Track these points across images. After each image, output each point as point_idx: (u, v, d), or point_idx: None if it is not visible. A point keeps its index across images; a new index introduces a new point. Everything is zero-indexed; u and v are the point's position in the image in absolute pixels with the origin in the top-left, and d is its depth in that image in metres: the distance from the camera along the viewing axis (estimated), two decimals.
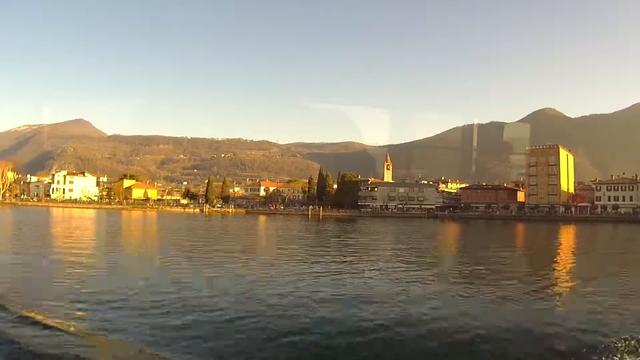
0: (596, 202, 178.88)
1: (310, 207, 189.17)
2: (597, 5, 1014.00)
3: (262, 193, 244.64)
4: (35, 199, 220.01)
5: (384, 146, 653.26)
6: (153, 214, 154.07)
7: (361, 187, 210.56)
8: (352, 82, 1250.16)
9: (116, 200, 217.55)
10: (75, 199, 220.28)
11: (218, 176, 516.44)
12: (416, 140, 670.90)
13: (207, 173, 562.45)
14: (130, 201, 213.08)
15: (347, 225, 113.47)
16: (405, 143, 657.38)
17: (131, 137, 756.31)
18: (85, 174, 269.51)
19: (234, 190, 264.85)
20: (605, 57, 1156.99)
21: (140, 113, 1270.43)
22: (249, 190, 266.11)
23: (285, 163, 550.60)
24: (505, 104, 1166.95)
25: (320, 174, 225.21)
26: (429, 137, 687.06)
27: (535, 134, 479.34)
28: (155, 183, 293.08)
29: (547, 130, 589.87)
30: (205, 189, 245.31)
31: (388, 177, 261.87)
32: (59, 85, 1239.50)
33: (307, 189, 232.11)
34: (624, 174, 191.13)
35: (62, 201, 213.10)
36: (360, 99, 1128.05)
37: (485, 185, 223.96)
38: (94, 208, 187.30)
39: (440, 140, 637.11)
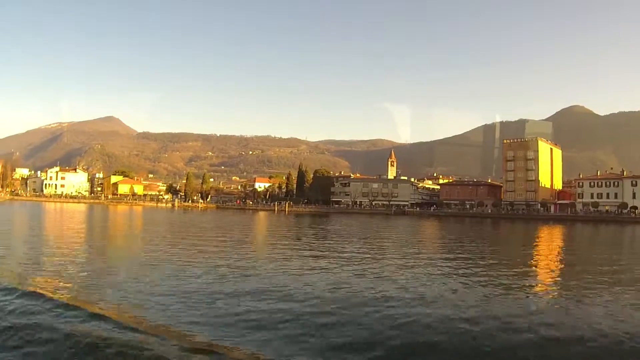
0: (578, 200, 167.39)
1: (276, 203, 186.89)
2: (626, 3, 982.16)
3: (262, 188, 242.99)
4: (28, 194, 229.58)
5: (414, 144, 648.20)
6: (125, 208, 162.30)
7: (335, 183, 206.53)
8: (380, 80, 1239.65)
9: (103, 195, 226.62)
10: (66, 195, 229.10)
11: (245, 173, 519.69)
12: (444, 138, 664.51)
13: (234, 170, 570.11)
14: (117, 196, 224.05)
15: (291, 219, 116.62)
16: (432, 141, 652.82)
17: (160, 134, 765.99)
18: (77, 170, 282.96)
19: (220, 186, 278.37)
20: (634, 53, 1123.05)
21: (171, 111, 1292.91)
22: (244, 186, 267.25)
23: (313, 160, 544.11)
24: (534, 102, 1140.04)
25: (299, 170, 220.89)
26: (457, 135, 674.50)
27: (562, 132, 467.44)
28: (141, 179, 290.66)
29: (575, 128, 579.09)
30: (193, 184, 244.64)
31: (392, 173, 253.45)
32: (91, 82, 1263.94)
33: (285, 185, 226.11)
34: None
35: (51, 196, 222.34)
36: (389, 97, 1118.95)
37: (466, 181, 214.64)
38: (76, 202, 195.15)
39: (465, 138, 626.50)
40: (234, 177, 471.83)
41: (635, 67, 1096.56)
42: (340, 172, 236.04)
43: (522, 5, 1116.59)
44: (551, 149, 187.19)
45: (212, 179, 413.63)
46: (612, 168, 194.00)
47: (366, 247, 49.89)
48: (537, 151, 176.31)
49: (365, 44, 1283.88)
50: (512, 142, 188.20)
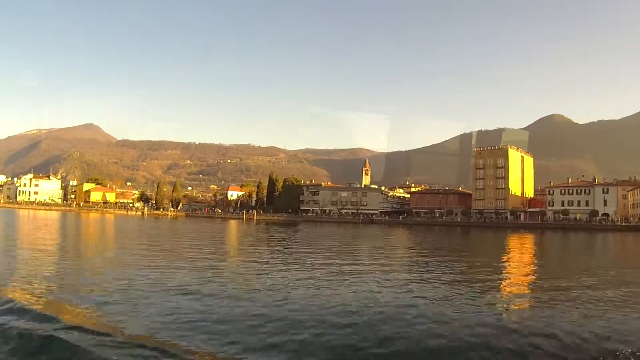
0: (548, 208, 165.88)
1: (244, 211, 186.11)
2: (605, 12, 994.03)
3: (234, 197, 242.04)
4: (2, 201, 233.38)
5: (392, 152, 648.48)
6: (96, 216, 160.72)
7: (304, 192, 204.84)
8: (359, 89, 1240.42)
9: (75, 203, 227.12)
10: (39, 202, 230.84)
11: (223, 182, 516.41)
12: (422, 147, 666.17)
13: (212, 178, 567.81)
14: (89, 204, 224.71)
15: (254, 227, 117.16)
16: (410, 150, 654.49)
17: (139, 142, 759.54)
18: (50, 177, 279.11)
19: (194, 194, 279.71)
20: (613, 62, 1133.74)
21: (150, 118, 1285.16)
22: (215, 195, 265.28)
23: (291, 169, 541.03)
24: (513, 111, 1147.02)
25: (270, 178, 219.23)
26: (436, 144, 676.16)
27: (542, 140, 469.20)
28: (115, 187, 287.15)
29: (555, 136, 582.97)
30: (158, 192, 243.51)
31: (366, 182, 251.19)
32: (72, 90, 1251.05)
33: (256, 194, 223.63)
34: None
35: (24, 203, 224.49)
36: (369, 106, 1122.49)
37: (436, 189, 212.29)
38: (47, 210, 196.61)
39: (443, 147, 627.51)
40: (212, 186, 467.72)
41: (614, 76, 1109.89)
42: (312, 181, 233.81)
43: (502, 15, 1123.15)
44: (522, 157, 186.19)
45: (189, 188, 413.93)
46: (583, 175, 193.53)
47: (333, 256, 47.27)
48: (508, 159, 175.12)
49: (345, 52, 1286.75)
50: (482, 150, 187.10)
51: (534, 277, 36.29)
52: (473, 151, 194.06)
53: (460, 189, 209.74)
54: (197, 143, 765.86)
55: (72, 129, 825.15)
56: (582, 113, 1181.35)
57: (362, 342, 15.82)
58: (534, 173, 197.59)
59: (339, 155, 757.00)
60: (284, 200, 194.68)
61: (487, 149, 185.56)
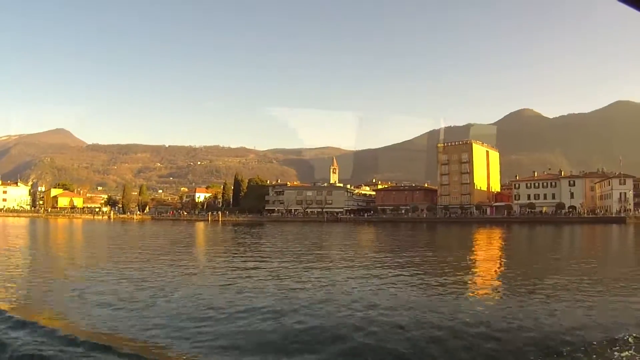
0: (514, 202, 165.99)
1: (209, 213, 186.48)
2: (573, 6, 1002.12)
3: (202, 199, 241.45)
4: None
5: (362, 150, 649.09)
6: (65, 221, 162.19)
7: (269, 192, 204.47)
8: (327, 87, 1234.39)
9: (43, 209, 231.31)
10: (7, 209, 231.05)
11: (193, 184, 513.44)
12: (393, 144, 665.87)
13: (183, 181, 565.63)
14: (56, 209, 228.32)
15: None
16: (380, 148, 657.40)
17: (109, 145, 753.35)
18: (19, 183, 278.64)
19: (162, 197, 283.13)
20: (582, 57, 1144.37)
21: (120, 121, 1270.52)
22: (181, 197, 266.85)
23: (261, 170, 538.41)
24: (483, 106, 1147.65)
25: (235, 179, 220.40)
26: (406, 141, 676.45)
27: (512, 135, 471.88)
28: (82, 191, 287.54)
29: (525, 130, 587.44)
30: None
31: (334, 180, 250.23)
32: (41, 95, 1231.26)
33: (222, 195, 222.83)
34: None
35: None
36: (339, 103, 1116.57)
37: (402, 186, 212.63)
38: (15, 216, 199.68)
39: (413, 143, 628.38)
40: (182, 188, 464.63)
41: (582, 69, 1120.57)
42: (277, 180, 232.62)
43: (467, 11, 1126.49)
44: (487, 151, 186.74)
45: (160, 191, 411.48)
46: (550, 168, 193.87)
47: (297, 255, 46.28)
48: (472, 154, 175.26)
49: (312, 50, 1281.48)
50: (446, 145, 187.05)
51: (497, 270, 36.60)
52: (437, 147, 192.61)
53: (427, 185, 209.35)
54: (166, 146, 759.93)
55: (42, 134, 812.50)
56: (552, 107, 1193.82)
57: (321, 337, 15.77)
58: (505, 167, 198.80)
59: (308, 154, 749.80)
60: (250, 200, 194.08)
61: (452, 145, 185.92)
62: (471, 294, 24.71)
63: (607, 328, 16.30)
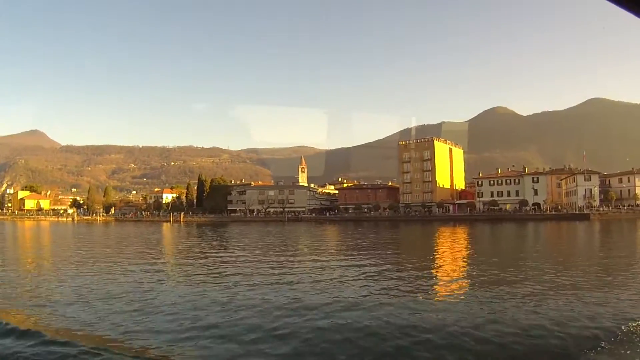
0: (478, 199, 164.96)
1: (171, 213, 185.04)
2: (548, 4, 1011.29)
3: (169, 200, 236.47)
4: None
5: (335, 149, 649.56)
6: (32, 223, 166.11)
7: (232, 192, 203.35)
8: (300, 86, 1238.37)
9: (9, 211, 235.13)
10: None
11: (167, 184, 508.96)
12: (366, 143, 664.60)
13: (156, 182, 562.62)
14: (23, 211, 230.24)
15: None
16: (353, 146, 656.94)
17: (83, 147, 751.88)
18: None
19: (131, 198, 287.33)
20: (556, 54, 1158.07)
21: (94, 122, 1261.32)
22: (146, 198, 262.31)
23: (234, 170, 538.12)
24: (457, 104, 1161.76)
25: (199, 179, 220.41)
26: (380, 139, 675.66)
27: (486, 133, 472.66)
28: (50, 193, 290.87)
29: (499, 128, 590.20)
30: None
31: (303, 180, 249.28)
32: (14, 96, 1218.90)
33: (185, 195, 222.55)
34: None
35: None
36: (312, 103, 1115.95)
37: (364, 185, 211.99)
38: None
39: (387, 142, 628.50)
40: (155, 189, 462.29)
41: (556, 67, 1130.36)
42: (242, 180, 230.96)
43: (441, 11, 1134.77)
44: (451, 149, 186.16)
45: (134, 192, 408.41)
46: (513, 165, 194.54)
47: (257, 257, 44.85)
48: (434, 151, 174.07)
49: (284, 47, 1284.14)
50: (408, 143, 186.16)
51: (455, 268, 35.83)
52: (399, 145, 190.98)
53: (391, 184, 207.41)
54: (140, 146, 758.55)
55: (17, 136, 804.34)
56: (526, 104, 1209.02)
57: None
58: (479, 165, 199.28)
59: (282, 153, 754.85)
60: (212, 201, 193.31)
61: (413, 142, 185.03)
62: (427, 297, 23.46)
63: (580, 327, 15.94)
